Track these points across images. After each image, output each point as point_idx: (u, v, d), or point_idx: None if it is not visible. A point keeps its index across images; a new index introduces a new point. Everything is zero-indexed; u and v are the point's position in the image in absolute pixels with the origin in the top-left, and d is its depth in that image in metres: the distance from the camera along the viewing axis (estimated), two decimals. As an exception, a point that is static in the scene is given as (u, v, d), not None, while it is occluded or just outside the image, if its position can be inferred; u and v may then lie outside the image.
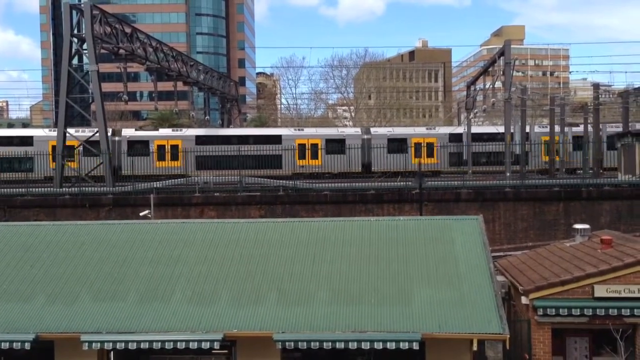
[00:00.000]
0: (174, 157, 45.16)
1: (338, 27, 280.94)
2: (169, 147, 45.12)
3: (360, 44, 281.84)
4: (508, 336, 13.88)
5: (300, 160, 45.11)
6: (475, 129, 51.51)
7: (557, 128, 46.69)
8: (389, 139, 47.67)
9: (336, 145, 46.49)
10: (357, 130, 50.49)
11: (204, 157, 41.66)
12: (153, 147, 45.45)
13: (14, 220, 31.02)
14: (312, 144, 47.07)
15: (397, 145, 46.72)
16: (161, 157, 45.16)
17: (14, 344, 14.27)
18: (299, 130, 50.82)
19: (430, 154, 45.47)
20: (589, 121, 46.59)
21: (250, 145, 42.52)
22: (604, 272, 15.69)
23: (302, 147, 45.10)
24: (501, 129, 43.27)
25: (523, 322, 16.50)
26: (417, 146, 46.79)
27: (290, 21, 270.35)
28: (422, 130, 51.35)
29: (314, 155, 45.92)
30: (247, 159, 39.74)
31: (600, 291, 15.60)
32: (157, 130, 51.59)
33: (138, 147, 45.56)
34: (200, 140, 47.09)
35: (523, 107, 44.52)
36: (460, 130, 51.75)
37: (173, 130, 50.85)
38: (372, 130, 50.59)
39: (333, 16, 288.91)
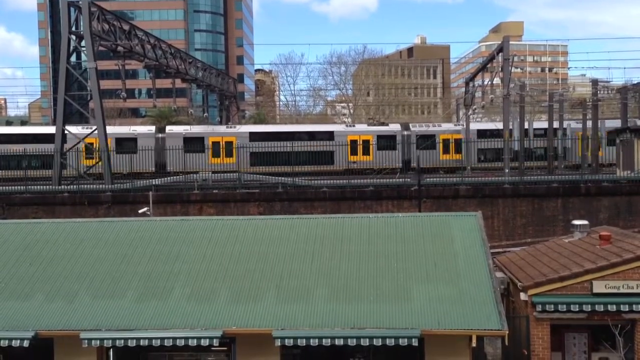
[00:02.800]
0: None
1: (331, 23, 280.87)
2: None
3: (355, 40, 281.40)
4: (507, 332, 13.91)
5: (87, 160, 42.13)
6: (265, 128, 50.90)
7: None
8: (184, 138, 46.21)
9: (128, 145, 44.58)
10: (151, 129, 48.75)
11: None
12: None
13: (13, 217, 31.02)
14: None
15: (194, 144, 44.90)
16: None
17: (14, 341, 14.28)
18: (87, 128, 47.76)
19: (229, 154, 44.09)
20: (587, 117, 46.59)
21: (33, 145, 40.28)
22: (603, 268, 15.71)
23: (89, 146, 41.91)
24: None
25: (522, 318, 16.52)
26: (215, 145, 45.33)
27: (283, 18, 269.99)
28: (221, 129, 50.09)
29: None
30: (29, 158, 38.28)
31: (598, 287, 15.62)
32: None
33: None
34: None
35: (522, 103, 44.53)
36: (261, 128, 51.23)
37: None
38: (168, 128, 49.04)
39: (326, 13, 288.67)
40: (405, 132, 48.42)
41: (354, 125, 52.13)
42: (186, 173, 38.98)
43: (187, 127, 50.65)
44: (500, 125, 50.04)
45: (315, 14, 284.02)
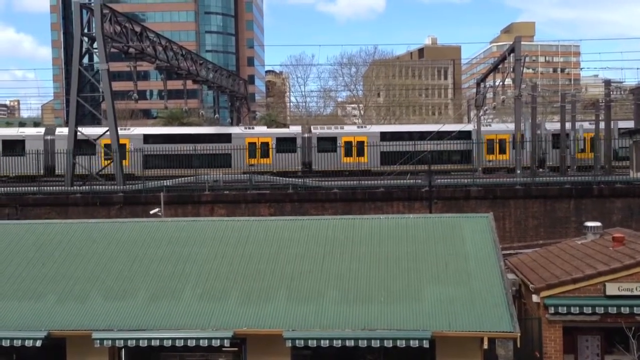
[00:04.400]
0: None
1: (338, 24, 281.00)
2: None
3: (363, 41, 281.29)
4: (519, 334, 13.84)
5: None
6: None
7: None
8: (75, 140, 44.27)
9: (16, 147, 43.17)
10: (40, 131, 47.45)
11: None
12: None
13: (26, 218, 31.27)
14: None
15: (85, 147, 42.52)
16: None
17: (26, 341, 14.39)
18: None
19: (122, 156, 41.57)
20: (600, 118, 46.24)
21: None
22: (616, 270, 15.59)
23: None
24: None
25: (534, 320, 16.43)
26: (108, 148, 42.60)
27: (289, 18, 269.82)
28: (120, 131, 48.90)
29: None
30: None
31: (612, 289, 15.50)
32: None
33: None
34: None
35: (533, 104, 44.23)
36: (155, 131, 49.72)
37: None
38: (57, 130, 47.52)
39: (332, 13, 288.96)
40: (306, 135, 47.30)
41: (252, 128, 50.73)
42: (76, 177, 37.62)
43: (79, 129, 49.72)
44: (405, 128, 49.50)
45: (321, 14, 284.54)
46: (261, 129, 49.93)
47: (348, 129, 50.36)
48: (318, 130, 48.33)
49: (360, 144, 44.97)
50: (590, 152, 44.18)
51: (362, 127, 51.61)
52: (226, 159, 41.67)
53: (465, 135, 46.25)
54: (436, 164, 39.16)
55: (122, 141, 41.78)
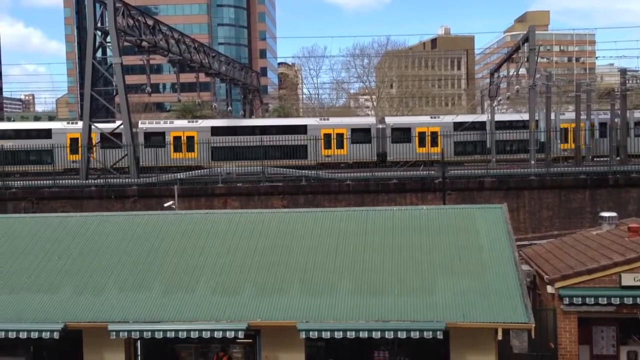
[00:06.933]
0: None
1: (346, 15, 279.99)
2: None
3: (373, 32, 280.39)
4: (533, 325, 13.79)
5: None
6: None
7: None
8: None
9: None
10: None
11: None
12: None
13: (42, 211, 31.61)
14: None
15: None
16: None
17: (43, 333, 14.58)
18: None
19: None
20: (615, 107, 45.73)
21: None
22: (632, 260, 15.46)
23: None
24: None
25: (549, 311, 16.35)
26: None
27: (298, 10, 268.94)
28: None
29: None
30: None
31: (627, 280, 15.38)
32: None
33: None
34: None
35: (548, 94, 43.84)
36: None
37: None
38: None
39: (339, 4, 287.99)
40: (133, 130, 44.93)
41: (76, 122, 48.95)
42: None
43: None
44: (238, 123, 48.13)
45: (329, 5, 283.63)
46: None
47: (178, 123, 49.12)
48: (145, 126, 47.25)
49: (190, 140, 44.07)
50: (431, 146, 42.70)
51: (192, 121, 50.27)
52: (48, 155, 40.49)
53: (302, 129, 45.43)
54: (275, 159, 38.69)
55: None
